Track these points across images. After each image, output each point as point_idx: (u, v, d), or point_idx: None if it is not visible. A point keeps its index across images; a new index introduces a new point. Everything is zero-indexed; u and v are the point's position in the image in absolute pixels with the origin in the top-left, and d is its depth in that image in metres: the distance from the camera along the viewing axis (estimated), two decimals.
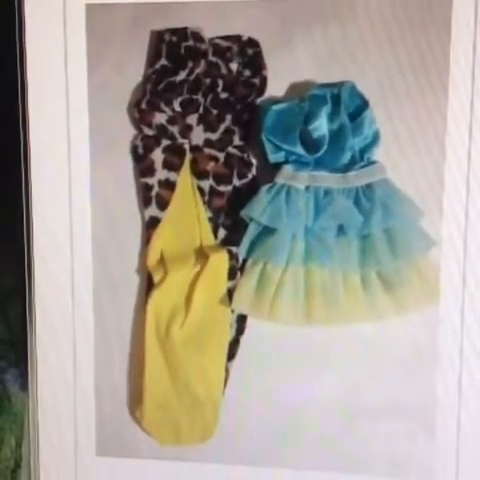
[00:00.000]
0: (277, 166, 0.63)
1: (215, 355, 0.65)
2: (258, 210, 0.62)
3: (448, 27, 0.61)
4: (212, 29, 0.64)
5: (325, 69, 0.63)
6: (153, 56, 0.64)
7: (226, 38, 0.64)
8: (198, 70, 0.64)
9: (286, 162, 0.63)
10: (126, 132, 0.66)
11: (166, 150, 0.65)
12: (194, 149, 0.65)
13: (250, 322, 0.65)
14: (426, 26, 0.62)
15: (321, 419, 0.66)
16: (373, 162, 0.62)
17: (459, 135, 0.62)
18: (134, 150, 0.65)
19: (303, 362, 0.65)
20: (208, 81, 0.64)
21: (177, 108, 0.64)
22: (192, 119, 0.64)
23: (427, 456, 0.65)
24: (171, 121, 0.64)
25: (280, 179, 0.62)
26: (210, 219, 0.65)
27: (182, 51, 0.64)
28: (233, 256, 0.64)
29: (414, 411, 0.65)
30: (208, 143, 0.65)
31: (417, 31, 0.62)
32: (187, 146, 0.65)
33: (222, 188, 0.65)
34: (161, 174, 0.65)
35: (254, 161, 0.65)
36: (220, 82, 0.64)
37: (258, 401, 0.66)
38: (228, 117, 0.64)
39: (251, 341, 0.65)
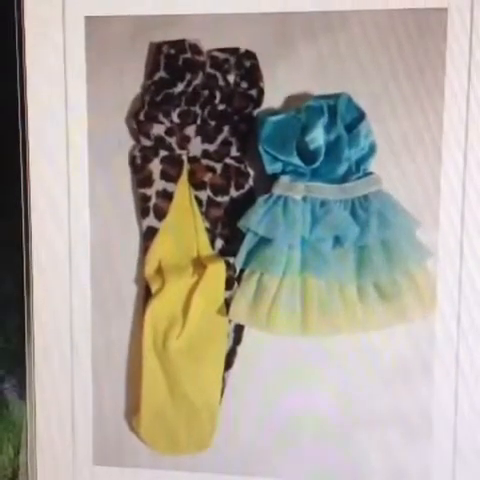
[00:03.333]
0: (274, 177, 0.63)
1: (212, 365, 0.65)
2: (255, 221, 0.62)
3: (443, 39, 0.62)
4: (210, 41, 0.64)
5: (321, 80, 0.64)
6: (151, 68, 0.65)
7: (223, 50, 0.64)
8: (196, 82, 0.64)
9: (283, 173, 0.63)
10: (124, 143, 0.66)
11: (164, 161, 0.65)
12: (192, 160, 0.65)
13: (247, 332, 0.65)
14: (422, 37, 0.62)
15: (318, 429, 0.66)
16: (369, 173, 0.62)
17: (455, 146, 0.62)
18: (132, 161, 0.66)
19: (300, 372, 0.65)
20: (206, 93, 0.64)
21: (175, 119, 0.65)
22: (190, 130, 0.65)
23: (424, 465, 0.65)
24: (169, 132, 0.65)
25: (277, 190, 0.62)
26: (207, 229, 0.65)
27: (180, 63, 0.64)
28: (230, 266, 0.65)
29: (411, 420, 0.65)
30: (206, 154, 0.65)
31: (413, 41, 0.62)
32: (185, 157, 0.65)
33: (219, 199, 0.65)
34: (159, 185, 0.65)
35: (251, 172, 0.65)
36: (218, 94, 0.64)
37: (255, 411, 0.66)
38: (225, 128, 0.65)
39: (248, 351, 0.66)
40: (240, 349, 0.66)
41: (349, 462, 0.66)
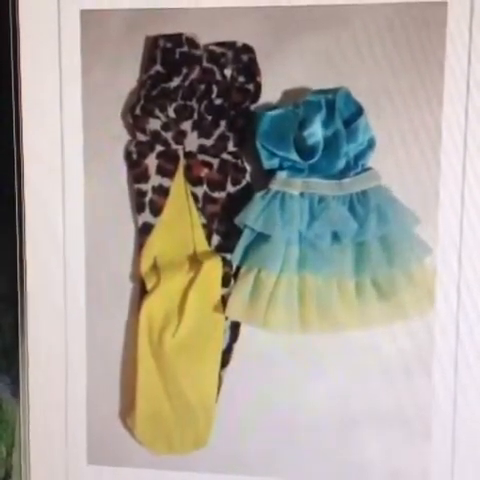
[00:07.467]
0: (271, 172, 0.63)
1: (208, 362, 0.65)
2: (252, 216, 0.61)
3: (443, 33, 0.61)
4: (207, 35, 0.64)
5: (319, 75, 0.63)
6: (148, 62, 0.64)
7: (221, 44, 0.64)
8: (192, 76, 0.64)
9: (280, 168, 0.62)
10: (120, 138, 0.66)
11: (160, 156, 0.65)
12: (188, 155, 0.65)
13: (244, 329, 0.65)
14: (420, 32, 0.62)
15: (316, 427, 0.65)
16: (368, 169, 0.62)
17: (454, 142, 0.62)
18: (128, 156, 0.65)
19: (297, 369, 0.65)
20: (202, 87, 0.64)
21: (171, 114, 0.64)
22: (186, 125, 0.64)
23: (423, 463, 0.64)
24: (165, 127, 0.64)
25: (274, 185, 0.62)
26: (204, 225, 0.65)
27: (177, 57, 0.63)
28: (227, 263, 0.64)
29: (410, 418, 0.64)
30: (202, 149, 0.64)
31: (411, 37, 0.62)
32: (181, 152, 0.65)
33: (216, 194, 0.65)
34: (155, 180, 0.65)
35: (248, 167, 0.65)
36: (214, 88, 0.64)
37: (251, 409, 0.65)
38: (222, 123, 0.64)
39: (245, 348, 0.65)
40: (237, 346, 0.65)
41: (347, 460, 0.65)
